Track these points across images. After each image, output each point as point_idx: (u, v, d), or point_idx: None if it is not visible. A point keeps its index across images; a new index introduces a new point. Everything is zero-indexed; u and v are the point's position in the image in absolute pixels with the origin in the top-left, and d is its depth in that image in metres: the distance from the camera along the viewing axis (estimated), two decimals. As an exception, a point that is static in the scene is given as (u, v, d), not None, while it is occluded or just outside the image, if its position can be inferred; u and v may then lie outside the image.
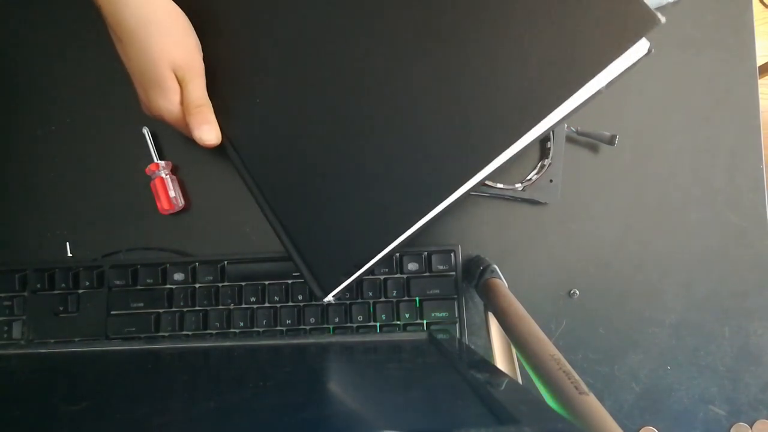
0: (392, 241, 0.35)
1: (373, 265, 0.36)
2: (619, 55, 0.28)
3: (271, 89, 0.38)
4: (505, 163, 0.32)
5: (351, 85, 0.35)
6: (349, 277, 0.37)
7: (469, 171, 0.32)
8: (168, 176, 0.45)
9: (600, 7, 0.28)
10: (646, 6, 0.27)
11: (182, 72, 0.38)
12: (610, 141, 0.44)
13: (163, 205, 0.45)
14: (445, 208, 0.34)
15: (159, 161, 0.45)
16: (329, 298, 0.37)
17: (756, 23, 0.47)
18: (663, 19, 0.27)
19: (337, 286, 0.37)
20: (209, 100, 0.39)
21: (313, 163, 0.37)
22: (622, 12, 0.28)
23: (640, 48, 0.29)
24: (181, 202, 0.45)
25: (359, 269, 0.36)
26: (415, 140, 0.33)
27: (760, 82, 0.47)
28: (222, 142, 0.40)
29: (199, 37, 0.39)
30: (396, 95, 0.34)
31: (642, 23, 0.27)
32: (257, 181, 0.39)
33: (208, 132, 0.38)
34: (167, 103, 0.38)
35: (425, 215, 0.34)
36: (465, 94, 0.32)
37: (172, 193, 0.45)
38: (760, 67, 0.48)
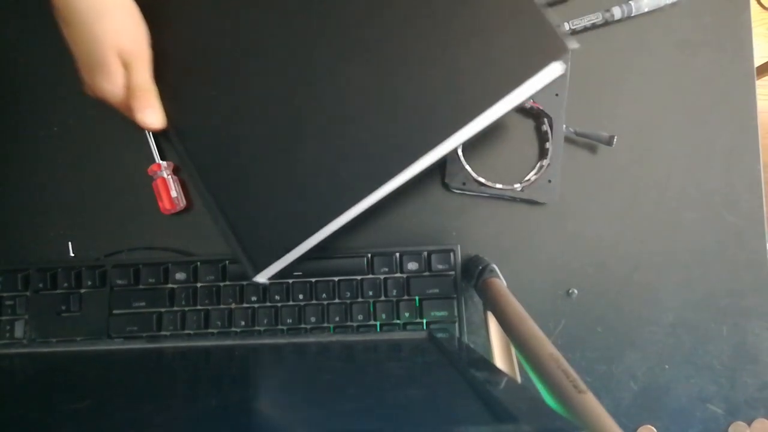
0: (319, 230, 0.37)
1: (304, 252, 0.38)
2: (529, 78, 0.33)
3: (213, 77, 0.40)
4: (437, 162, 0.36)
5: (290, 79, 0.38)
6: (279, 259, 0.38)
7: (392, 170, 0.35)
8: (170, 176, 0.45)
9: (518, 33, 0.33)
10: (558, 34, 0.32)
11: (127, 57, 0.38)
12: (608, 142, 0.44)
13: (165, 205, 0.45)
14: (372, 205, 0.36)
15: (161, 161, 0.46)
16: (262, 279, 0.38)
17: (754, 24, 0.47)
18: (576, 45, 0.32)
19: (267, 267, 0.38)
20: (154, 86, 0.40)
21: (251, 150, 0.38)
22: (538, 38, 0.33)
23: (555, 69, 0.33)
24: (183, 202, 0.46)
25: (288, 252, 0.37)
26: (344, 136, 0.36)
27: (757, 83, 0.47)
28: (165, 127, 0.41)
29: (147, 25, 0.40)
30: (330, 93, 0.37)
31: (555, 50, 0.32)
32: (196, 163, 0.40)
33: (151, 116, 0.39)
34: (111, 86, 0.39)
35: (350, 209, 0.36)
36: (391, 96, 0.35)
37: (174, 193, 0.45)
38: (757, 68, 0.48)
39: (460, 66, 0.34)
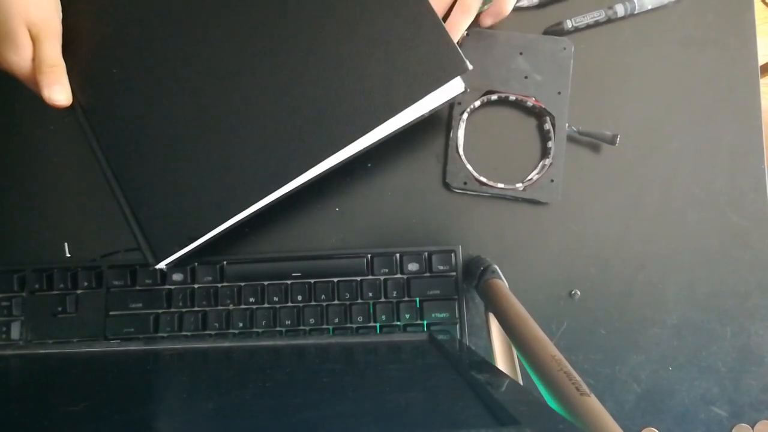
0: (226, 221, 0.38)
1: (207, 240, 0.39)
2: (429, 93, 0.35)
3: (125, 60, 0.40)
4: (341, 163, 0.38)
5: (203, 69, 0.39)
6: (183, 248, 0.39)
7: (294, 172, 0.37)
8: None
9: (420, 50, 0.35)
10: (458, 54, 0.35)
11: (37, 30, 0.38)
12: (612, 141, 0.44)
13: None
14: (274, 199, 0.38)
15: None
16: (161, 265, 0.39)
17: (757, 22, 0.47)
18: (470, 67, 0.35)
19: (169, 255, 0.39)
20: (63, 62, 0.39)
21: (160, 137, 0.39)
22: (438, 56, 0.35)
23: (456, 86, 0.36)
24: None
25: (193, 242, 0.38)
26: (250, 134, 0.38)
27: (761, 81, 0.47)
28: (72, 105, 0.40)
29: (62, 2, 0.40)
30: (236, 91, 0.38)
31: (452, 68, 0.35)
32: (102, 145, 0.40)
33: (58, 92, 0.39)
34: (18, 58, 0.38)
35: (254, 204, 0.38)
36: (295, 99, 0.37)
37: None
38: (761, 66, 0.48)
39: (363, 77, 0.36)
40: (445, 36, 0.35)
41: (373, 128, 0.36)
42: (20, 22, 0.37)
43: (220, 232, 0.39)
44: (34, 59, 0.38)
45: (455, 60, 0.35)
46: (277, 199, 0.38)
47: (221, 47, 0.39)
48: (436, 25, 0.35)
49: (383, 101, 0.35)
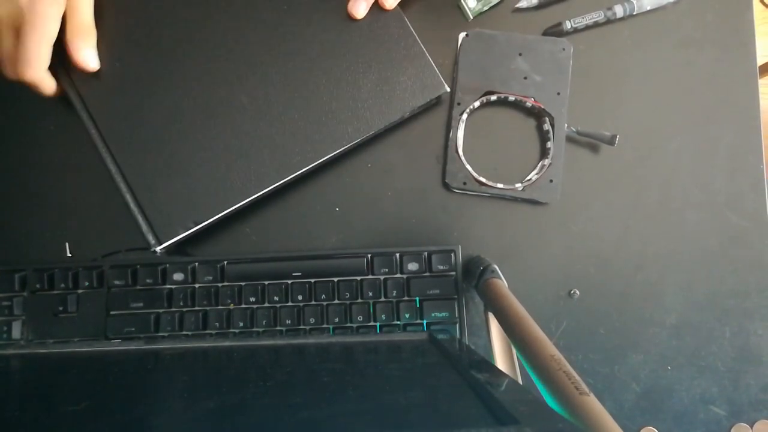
0: (230, 207, 0.42)
1: (207, 225, 0.42)
2: (418, 105, 0.43)
3: (134, 48, 0.42)
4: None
5: (214, 67, 0.42)
6: (186, 231, 0.41)
7: (299, 165, 0.42)
8: None
9: (409, 72, 0.43)
10: (438, 77, 0.43)
11: None
12: (611, 141, 0.44)
13: None
14: (274, 188, 0.42)
15: None
16: (160, 248, 0.41)
17: (756, 23, 0.47)
18: (447, 89, 0.43)
19: (172, 238, 0.41)
20: (95, 27, 0.40)
21: (169, 128, 0.42)
22: (422, 78, 0.43)
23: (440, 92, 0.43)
24: None
25: (197, 226, 0.41)
26: (257, 131, 0.42)
27: (760, 81, 0.47)
28: (69, 94, 0.41)
29: None
30: (242, 90, 0.42)
31: (434, 89, 0.43)
32: (103, 131, 0.41)
33: (90, 57, 0.39)
34: (54, 10, 0.37)
35: (257, 193, 0.42)
36: (300, 101, 0.42)
37: None
38: (760, 66, 0.48)
39: (360, 91, 0.42)
40: (428, 62, 0.43)
41: (368, 134, 0.42)
42: None
43: (220, 218, 0.42)
44: (66, 19, 0.38)
45: (436, 82, 0.43)
46: (277, 187, 0.42)
47: (236, 50, 0.42)
48: (422, 53, 0.43)
49: (377, 111, 0.42)
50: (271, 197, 0.45)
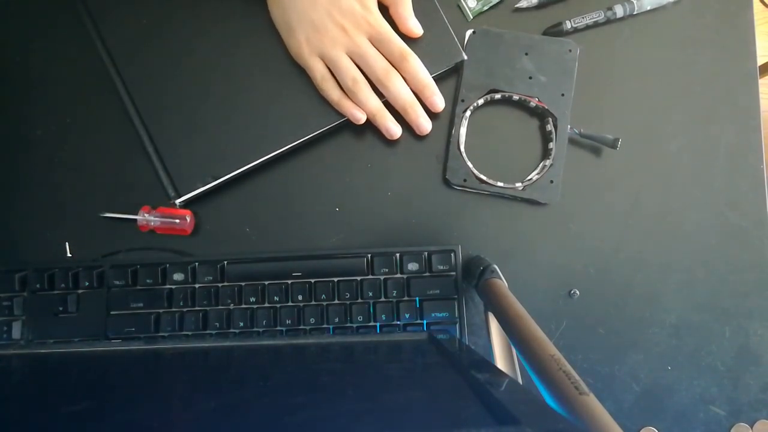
0: (246, 165, 0.45)
1: (223, 182, 0.45)
2: (435, 73, 0.45)
3: (166, 23, 0.46)
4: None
5: (237, 36, 0.45)
6: (204, 186, 0.44)
7: (311, 129, 0.45)
8: (158, 218, 0.45)
9: (427, 38, 0.44)
10: (456, 45, 0.45)
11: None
12: (613, 144, 0.44)
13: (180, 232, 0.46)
14: (283, 151, 0.45)
15: (141, 214, 0.45)
16: (179, 200, 0.44)
17: (756, 23, 0.47)
18: (465, 56, 0.45)
19: (191, 191, 0.44)
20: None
21: (190, 89, 0.45)
22: (441, 45, 0.45)
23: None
24: (187, 218, 0.45)
25: (215, 181, 0.44)
26: (273, 93, 0.45)
27: (760, 81, 0.47)
28: (104, 61, 0.45)
29: None
30: (267, 52, 0.45)
31: (452, 56, 0.45)
32: (131, 92, 0.45)
33: (418, 26, 0.44)
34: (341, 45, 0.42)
35: (272, 153, 0.45)
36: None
37: (177, 221, 0.45)
38: (760, 66, 0.48)
39: None
40: (447, 29, 0.44)
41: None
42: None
43: (236, 174, 0.45)
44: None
45: (454, 50, 0.45)
46: (292, 147, 0.45)
47: (261, 15, 0.44)
48: (441, 20, 0.44)
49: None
50: (271, 197, 0.45)
